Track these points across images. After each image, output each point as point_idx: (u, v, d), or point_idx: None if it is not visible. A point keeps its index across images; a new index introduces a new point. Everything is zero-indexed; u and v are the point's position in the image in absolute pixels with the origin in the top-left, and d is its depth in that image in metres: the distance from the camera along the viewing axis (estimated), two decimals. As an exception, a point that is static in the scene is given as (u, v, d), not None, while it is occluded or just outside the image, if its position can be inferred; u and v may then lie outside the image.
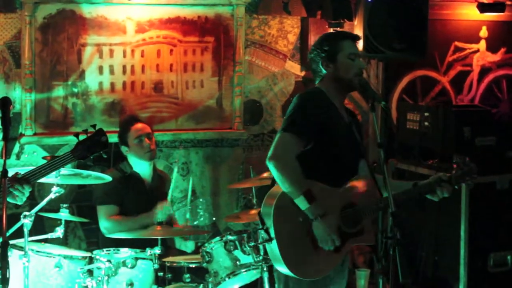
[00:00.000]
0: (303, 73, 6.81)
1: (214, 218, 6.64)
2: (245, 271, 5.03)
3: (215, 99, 6.57)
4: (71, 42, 6.15)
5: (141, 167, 5.83)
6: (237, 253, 5.05)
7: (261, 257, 4.84)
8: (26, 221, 4.80)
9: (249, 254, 4.99)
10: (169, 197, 6.12)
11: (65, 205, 5.32)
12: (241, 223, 6.34)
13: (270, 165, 4.05)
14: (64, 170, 5.06)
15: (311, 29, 6.72)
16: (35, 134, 6.09)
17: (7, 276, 3.57)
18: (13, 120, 5.96)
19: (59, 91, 6.16)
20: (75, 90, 6.20)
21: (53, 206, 5.45)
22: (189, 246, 6.03)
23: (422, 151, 6.46)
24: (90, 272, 5.12)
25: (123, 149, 5.83)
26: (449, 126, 6.27)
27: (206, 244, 5.14)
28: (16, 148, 6.12)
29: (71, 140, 5.76)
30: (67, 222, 5.51)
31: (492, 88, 7.48)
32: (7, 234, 3.66)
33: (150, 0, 6.28)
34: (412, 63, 7.06)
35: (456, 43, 7.32)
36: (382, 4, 6.40)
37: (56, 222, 5.38)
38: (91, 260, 5.19)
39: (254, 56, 6.69)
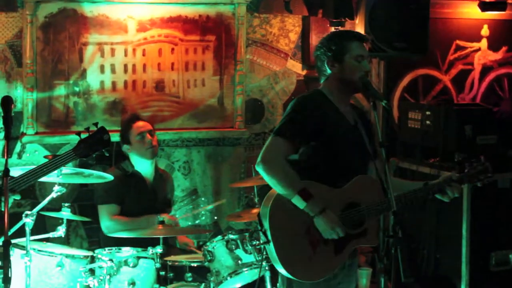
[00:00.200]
0: (304, 72, 6.81)
1: (215, 217, 6.64)
2: (247, 270, 5.03)
3: (216, 98, 6.57)
4: (73, 41, 6.15)
5: (143, 166, 5.83)
6: (239, 252, 5.05)
7: (263, 256, 4.82)
8: (28, 220, 4.80)
9: (251, 253, 4.99)
10: (172, 198, 6.15)
11: (66, 204, 5.32)
12: (242, 222, 6.34)
13: (259, 170, 4.04)
14: (65, 169, 5.06)
15: (313, 28, 6.72)
16: (36, 133, 6.09)
17: (9, 275, 3.57)
18: (15, 119, 5.96)
19: (60, 90, 6.16)
20: (77, 89, 6.20)
21: (55, 205, 5.45)
22: None
23: (424, 150, 6.45)
24: (92, 271, 5.12)
25: (125, 147, 5.83)
26: (451, 125, 6.27)
27: (208, 243, 5.14)
28: (18, 147, 6.12)
29: (73, 139, 5.83)
30: (68, 221, 5.50)
31: (494, 87, 7.48)
32: (9, 233, 3.66)
33: (152, -1, 6.29)
34: (414, 62, 7.05)
35: (458, 41, 7.32)
36: (383, 3, 6.40)
37: (57, 221, 5.38)
38: (93, 259, 5.19)
39: (255, 55, 6.69)
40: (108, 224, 5.64)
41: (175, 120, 6.47)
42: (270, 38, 6.72)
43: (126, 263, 5.11)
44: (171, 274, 5.31)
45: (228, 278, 5.03)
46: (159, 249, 5.08)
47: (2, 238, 3.62)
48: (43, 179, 4.46)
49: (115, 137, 5.76)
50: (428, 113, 6.44)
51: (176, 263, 5.33)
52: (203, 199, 6.61)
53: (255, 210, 5.67)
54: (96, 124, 4.43)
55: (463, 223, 5.97)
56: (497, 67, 7.48)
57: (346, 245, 4.07)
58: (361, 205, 4.10)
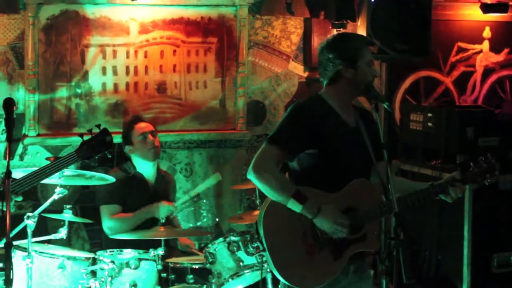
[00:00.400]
0: (306, 74, 6.81)
1: (217, 219, 6.64)
2: (249, 272, 5.03)
3: (218, 100, 6.57)
4: (75, 43, 6.16)
5: (145, 167, 5.83)
6: (241, 254, 5.05)
7: (264, 258, 4.82)
8: (30, 222, 4.81)
9: (252, 255, 4.99)
10: (174, 200, 6.15)
11: (68, 206, 5.32)
12: (244, 224, 6.33)
13: (251, 178, 4.03)
14: (67, 171, 5.06)
15: (314, 30, 6.72)
16: (38, 135, 6.10)
17: (11, 277, 3.57)
18: (17, 121, 5.94)
19: (62, 92, 6.17)
20: (79, 91, 6.21)
21: (57, 207, 5.45)
22: None
23: (426, 152, 6.45)
24: (93, 273, 5.12)
25: (127, 148, 5.83)
26: (452, 127, 6.27)
27: (209, 245, 5.14)
28: (20, 149, 6.12)
29: (75, 141, 5.85)
30: (70, 223, 5.50)
31: (495, 89, 7.48)
32: (11, 235, 3.67)
33: (154, 1, 6.28)
34: (415, 63, 7.05)
35: (459, 43, 7.32)
36: (385, 5, 6.39)
37: (59, 223, 5.38)
38: (94, 261, 5.19)
39: (257, 57, 6.69)
40: (110, 224, 5.64)
41: (177, 122, 6.47)
42: (272, 40, 6.72)
43: (127, 265, 5.12)
44: (173, 276, 5.32)
45: (230, 280, 5.03)
46: (160, 251, 5.08)
47: (4, 240, 3.62)
48: (45, 181, 4.46)
49: (117, 139, 5.75)
50: (430, 115, 6.44)
51: (178, 265, 5.33)
52: (204, 201, 6.61)
53: (256, 212, 5.66)
54: (98, 126, 4.43)
55: (464, 225, 5.97)
56: (499, 69, 7.48)
57: (345, 250, 4.03)
58: (358, 210, 4.04)
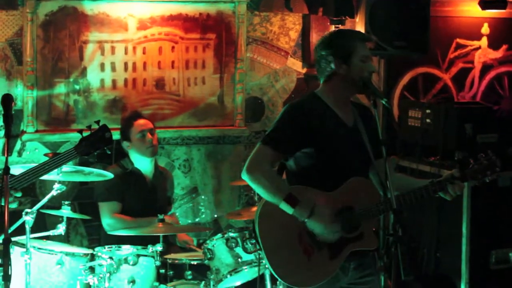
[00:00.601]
0: (304, 70, 6.81)
1: (215, 215, 6.64)
2: (247, 268, 5.04)
3: (216, 96, 6.57)
4: (73, 39, 6.15)
5: (143, 163, 5.83)
6: (239, 250, 5.05)
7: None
8: (28, 218, 4.81)
9: (250, 252, 4.99)
10: (172, 196, 6.15)
11: (66, 202, 5.32)
12: (242, 220, 6.33)
13: (245, 178, 4.01)
14: (66, 167, 5.06)
15: (313, 26, 6.72)
16: (36, 131, 6.10)
17: (9, 273, 3.57)
18: (15, 117, 5.95)
19: (60, 88, 6.16)
20: (77, 87, 6.20)
21: (55, 203, 5.45)
22: None
23: (424, 148, 6.44)
24: (91, 269, 5.12)
25: (125, 144, 5.83)
26: (451, 123, 6.27)
27: (207, 241, 5.14)
28: (18, 145, 6.12)
29: (73, 137, 5.85)
30: (68, 219, 5.50)
31: (494, 85, 7.47)
32: (9, 231, 3.67)
33: (152, -3, 6.29)
34: (414, 60, 7.05)
35: (458, 40, 7.31)
36: (383, 1, 6.39)
37: (57, 219, 5.38)
38: (92, 257, 5.19)
39: (255, 53, 6.69)
40: (109, 221, 5.65)
41: (175, 118, 6.47)
42: (271, 36, 6.71)
43: (126, 261, 5.12)
44: (171, 272, 5.32)
45: (228, 276, 5.03)
46: (159, 247, 5.09)
47: (2, 236, 3.62)
48: (44, 177, 4.46)
49: (115, 135, 5.75)
50: (428, 111, 6.44)
51: (176, 261, 5.34)
52: (203, 197, 6.61)
53: (255, 208, 5.66)
54: (98, 122, 4.43)
55: (463, 222, 5.97)
56: (497, 66, 7.48)
57: (342, 249, 4.01)
58: (355, 209, 4.02)
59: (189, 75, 6.48)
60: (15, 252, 4.93)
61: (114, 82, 6.29)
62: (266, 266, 4.86)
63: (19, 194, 4.18)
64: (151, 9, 6.31)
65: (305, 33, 6.77)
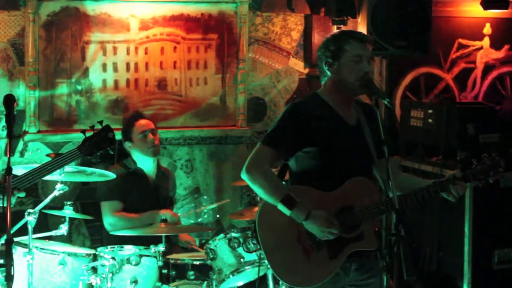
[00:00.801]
0: (306, 70, 6.81)
1: (218, 215, 6.64)
2: (249, 268, 5.03)
3: (218, 97, 6.57)
4: (75, 40, 6.16)
5: (145, 163, 5.83)
6: (241, 250, 5.05)
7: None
8: (30, 219, 4.81)
9: (253, 252, 4.99)
10: (174, 196, 6.15)
11: (69, 203, 5.32)
12: (245, 220, 6.33)
13: (245, 178, 4.01)
14: (68, 167, 5.06)
15: (315, 26, 6.72)
16: (39, 131, 6.10)
17: (12, 274, 3.58)
18: (17, 118, 5.95)
19: (62, 89, 6.17)
20: (79, 87, 6.21)
21: (57, 204, 5.46)
22: None
23: (426, 148, 6.44)
24: (94, 269, 5.12)
25: (127, 145, 5.84)
26: (453, 123, 6.26)
27: (210, 241, 5.14)
28: (20, 146, 6.12)
29: (75, 137, 5.85)
30: (71, 219, 5.50)
31: (496, 85, 7.47)
32: (12, 232, 3.67)
33: (154, -2, 6.29)
34: (416, 60, 7.04)
35: (460, 40, 7.31)
36: (385, 2, 6.39)
37: (60, 220, 5.39)
38: (95, 257, 5.19)
39: (257, 54, 6.69)
40: (111, 220, 5.65)
41: (177, 118, 6.47)
42: (272, 37, 6.72)
43: (128, 261, 5.12)
44: (174, 272, 5.32)
45: (231, 276, 5.03)
46: (161, 247, 5.09)
47: (5, 236, 3.63)
48: (46, 177, 4.46)
49: (117, 136, 5.74)
50: (430, 111, 6.44)
51: (179, 261, 5.34)
52: (205, 197, 6.61)
53: (257, 209, 5.66)
54: (100, 122, 4.44)
55: (465, 221, 5.97)
56: (499, 66, 7.48)
57: (342, 249, 4.00)
58: (355, 209, 4.01)
59: (191, 75, 6.48)
60: (18, 253, 4.93)
61: (116, 82, 6.30)
62: (268, 266, 4.86)
63: (22, 195, 4.18)
64: (153, 9, 6.32)
65: (307, 34, 6.78)
